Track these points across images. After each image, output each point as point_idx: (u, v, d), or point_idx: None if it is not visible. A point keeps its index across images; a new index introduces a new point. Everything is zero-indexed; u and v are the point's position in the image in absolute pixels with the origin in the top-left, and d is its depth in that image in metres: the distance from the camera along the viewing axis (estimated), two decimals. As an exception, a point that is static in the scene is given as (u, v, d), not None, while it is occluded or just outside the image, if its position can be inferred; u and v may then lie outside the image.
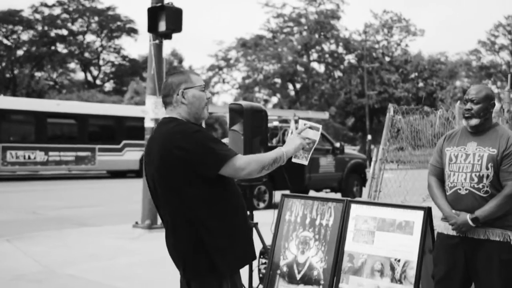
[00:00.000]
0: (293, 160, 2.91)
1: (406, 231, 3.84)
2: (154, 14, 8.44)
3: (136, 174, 22.90)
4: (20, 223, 10.10)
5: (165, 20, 8.31)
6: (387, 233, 3.94)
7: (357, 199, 4.70)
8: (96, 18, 50.58)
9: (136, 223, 9.01)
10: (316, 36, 45.97)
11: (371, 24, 48.33)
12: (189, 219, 2.57)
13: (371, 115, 44.86)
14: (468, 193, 3.31)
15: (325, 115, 15.98)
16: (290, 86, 47.35)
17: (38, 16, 47.26)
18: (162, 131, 2.64)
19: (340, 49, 48.06)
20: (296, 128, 2.91)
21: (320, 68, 48.65)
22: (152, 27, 8.52)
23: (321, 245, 4.30)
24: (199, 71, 52.86)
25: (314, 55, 48.03)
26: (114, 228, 9.16)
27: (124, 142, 22.35)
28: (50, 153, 20.40)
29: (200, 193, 2.56)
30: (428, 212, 3.78)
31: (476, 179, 3.29)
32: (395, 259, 3.83)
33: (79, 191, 16.92)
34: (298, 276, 4.33)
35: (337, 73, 48.76)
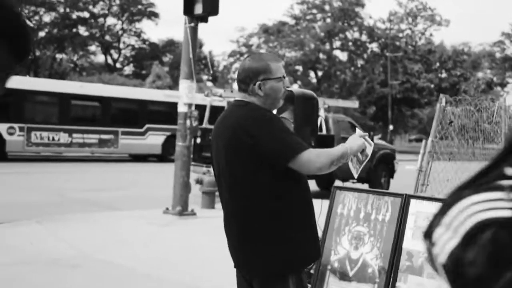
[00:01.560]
0: (349, 164, 2.73)
1: (473, 230, 3.63)
2: (190, -4, 8.24)
3: (158, 158, 22.86)
4: (48, 204, 10.03)
5: (201, 2, 8.10)
6: (451, 231, 3.73)
7: (417, 194, 4.47)
8: (118, 1, 50.50)
9: (167, 209, 8.88)
10: (340, 23, 45.43)
11: (396, 13, 47.64)
12: (255, 211, 2.41)
13: (392, 105, 44.37)
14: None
15: (355, 104, 15.71)
16: (312, 74, 46.98)
17: (60, -2, 47.30)
18: (234, 115, 2.47)
19: (364, 38, 47.48)
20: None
21: (343, 56, 48.21)
22: (188, 10, 8.32)
23: (377, 241, 4.10)
24: (220, 57, 52.77)
25: (337, 43, 47.52)
26: (144, 213, 9.04)
27: (147, 126, 22.28)
28: (74, 135, 20.39)
29: (268, 184, 2.40)
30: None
31: None
32: (460, 259, 3.62)
33: (103, 174, 16.88)
34: (351, 273, 4.14)
35: (360, 62, 48.23)
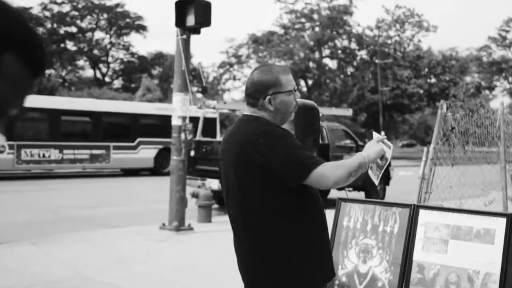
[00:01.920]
0: (369, 172, 2.60)
1: (486, 240, 3.52)
2: (182, 8, 8.13)
3: (150, 172, 22.66)
4: (42, 224, 9.84)
5: (193, 14, 7.99)
6: (463, 242, 3.62)
7: (426, 204, 4.37)
8: (105, 15, 50.40)
9: (163, 224, 8.72)
10: (329, 32, 45.51)
11: (384, 20, 47.83)
12: (265, 229, 2.30)
13: (383, 112, 44.44)
14: None
15: (348, 112, 15.63)
16: (302, 83, 46.93)
17: (47, 13, 47.15)
18: (243, 129, 2.35)
19: (353, 45, 47.56)
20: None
21: (332, 64, 48.26)
22: (180, 22, 8.21)
23: (386, 254, 3.99)
24: (210, 69, 52.63)
25: (327, 51, 47.58)
26: (140, 229, 8.87)
27: (138, 139, 22.10)
28: (65, 151, 20.15)
29: (278, 201, 2.29)
30: (511, 219, 3.46)
31: None
32: (474, 271, 3.51)
33: (96, 190, 16.67)
34: (360, 287, 4.03)
35: (350, 69, 48.32)
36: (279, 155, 2.23)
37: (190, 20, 8.11)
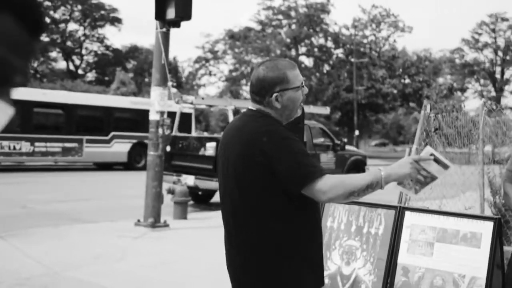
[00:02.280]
0: (400, 188, 2.39)
1: (473, 244, 3.48)
2: (162, 1, 7.96)
3: (124, 166, 22.36)
4: (12, 218, 9.57)
5: (174, 7, 7.83)
6: (449, 245, 3.57)
7: (412, 206, 4.31)
8: (80, 7, 49.59)
9: (139, 220, 8.55)
10: (306, 29, 45.58)
11: (360, 19, 48.10)
12: (259, 230, 2.20)
13: (357, 111, 44.73)
14: (557, 205, 2.95)
15: (326, 110, 15.57)
16: (278, 80, 46.90)
17: (20, 2, 46.13)
18: (249, 127, 2.23)
19: (329, 44, 47.72)
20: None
21: (309, 62, 48.32)
22: (160, 15, 8.04)
23: (370, 255, 3.92)
24: (185, 63, 52.32)
25: (303, 49, 47.65)
26: (114, 225, 8.69)
27: (112, 133, 21.77)
28: (36, 144, 19.74)
29: (277, 204, 2.19)
30: (499, 223, 3.43)
31: None
32: (459, 275, 3.46)
33: (68, 183, 16.36)
34: (343, 289, 3.96)
35: (326, 68, 48.46)
36: (281, 158, 2.13)
37: (171, 13, 7.94)
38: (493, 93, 59.08)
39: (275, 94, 2.22)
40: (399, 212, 3.84)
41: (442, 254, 3.58)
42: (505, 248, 3.84)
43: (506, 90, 59.97)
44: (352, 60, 44.38)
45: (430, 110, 5.44)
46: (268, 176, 2.14)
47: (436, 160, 2.30)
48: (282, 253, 2.19)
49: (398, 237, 3.79)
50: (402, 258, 3.75)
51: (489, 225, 3.44)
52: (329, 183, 2.12)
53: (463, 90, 62.43)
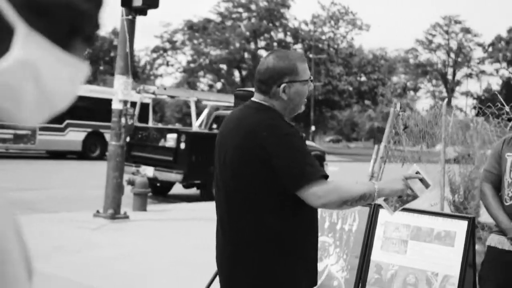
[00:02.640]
0: (382, 203, 2.39)
1: (446, 243, 3.52)
2: (129, -13, 7.78)
3: (78, 155, 21.87)
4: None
5: (141, -6, 7.66)
6: (423, 243, 3.60)
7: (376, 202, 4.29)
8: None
9: (98, 211, 8.35)
10: (265, 23, 45.64)
11: (319, 15, 48.51)
12: (252, 226, 2.15)
13: (314, 106, 45.14)
14: (533, 205, 3.01)
15: (230, 99, 11.96)
16: (236, 73, 46.88)
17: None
18: (250, 119, 2.16)
19: (289, 39, 47.95)
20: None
21: (267, 56, 48.36)
22: (126, 1, 7.85)
23: (343, 252, 3.93)
24: (143, 52, 51.51)
25: (262, 43, 47.71)
26: (72, 215, 8.46)
27: (67, 121, 21.22)
28: (-14, 130, 19.08)
29: (273, 201, 2.13)
30: (473, 222, 3.48)
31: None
32: (432, 273, 3.50)
33: (21, 171, 15.86)
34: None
35: (284, 63, 48.62)
36: (281, 155, 2.08)
37: (137, 0, 7.76)
38: (445, 94, 60.65)
39: (283, 85, 2.16)
40: (374, 210, 3.86)
41: (416, 252, 3.61)
42: (478, 247, 3.91)
43: (457, 91, 61.72)
44: (311, 56, 44.74)
45: (400, 108, 5.49)
46: (266, 172, 2.08)
47: (422, 180, 2.31)
48: (277, 250, 2.14)
49: (372, 234, 3.81)
50: (376, 255, 3.76)
51: (464, 224, 3.48)
52: (325, 188, 2.07)
53: (416, 89, 63.91)
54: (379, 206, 3.91)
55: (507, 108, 6.61)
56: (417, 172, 2.32)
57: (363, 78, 48.54)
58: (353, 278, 3.79)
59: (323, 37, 48.68)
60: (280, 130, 2.11)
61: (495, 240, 3.20)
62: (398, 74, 59.13)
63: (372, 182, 2.24)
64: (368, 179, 5.73)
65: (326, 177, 2.12)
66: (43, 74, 0.68)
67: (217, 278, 2.45)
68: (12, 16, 0.64)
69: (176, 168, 10.89)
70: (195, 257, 6.14)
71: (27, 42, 0.65)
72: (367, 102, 51.10)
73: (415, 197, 2.35)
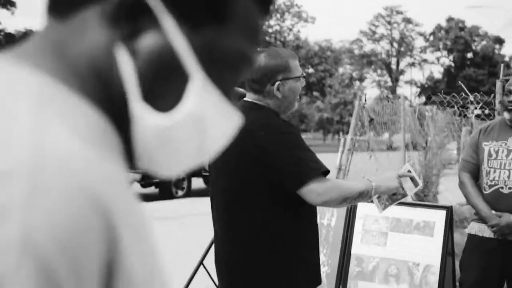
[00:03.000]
0: (374, 200, 2.34)
1: (426, 233, 3.57)
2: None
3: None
4: None
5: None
6: (402, 234, 3.64)
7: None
8: (-31, -13, 46.27)
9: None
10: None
11: (265, 8, 48.71)
12: (254, 229, 2.09)
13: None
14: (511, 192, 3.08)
15: None
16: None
17: None
18: (244, 119, 2.06)
19: (236, 32, 47.99)
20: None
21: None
22: None
23: (323, 247, 3.92)
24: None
25: (209, 37, 47.58)
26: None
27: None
28: None
29: (272, 201, 2.07)
30: (451, 212, 3.54)
31: (520, 177, 3.07)
32: (414, 263, 3.55)
33: None
34: (296, 282, 3.95)
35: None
36: (279, 154, 2.03)
37: None
38: (390, 83, 62.04)
39: (277, 83, 2.12)
40: (352, 203, 3.88)
41: (396, 243, 3.64)
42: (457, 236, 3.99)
43: (401, 80, 63.26)
44: (258, 49, 44.92)
45: (365, 100, 5.55)
46: (264, 171, 2.03)
47: (412, 178, 2.33)
48: (276, 249, 2.10)
49: (351, 227, 3.82)
50: (356, 248, 3.78)
51: (442, 213, 3.54)
52: (324, 186, 2.04)
53: (361, 79, 65.14)
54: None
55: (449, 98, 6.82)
56: (409, 171, 2.34)
57: (311, 70, 49.08)
58: (334, 272, 3.79)
59: (270, 30, 48.92)
60: (277, 129, 2.08)
61: (475, 228, 3.26)
62: (344, 65, 60.06)
63: (369, 179, 2.22)
64: (336, 171, 5.78)
65: (327, 172, 2.09)
66: (209, 127, 0.60)
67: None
68: (191, 62, 0.56)
69: (134, 167, 10.69)
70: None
71: (202, 92, 0.57)
72: (315, 93, 51.69)
73: (404, 195, 2.35)
